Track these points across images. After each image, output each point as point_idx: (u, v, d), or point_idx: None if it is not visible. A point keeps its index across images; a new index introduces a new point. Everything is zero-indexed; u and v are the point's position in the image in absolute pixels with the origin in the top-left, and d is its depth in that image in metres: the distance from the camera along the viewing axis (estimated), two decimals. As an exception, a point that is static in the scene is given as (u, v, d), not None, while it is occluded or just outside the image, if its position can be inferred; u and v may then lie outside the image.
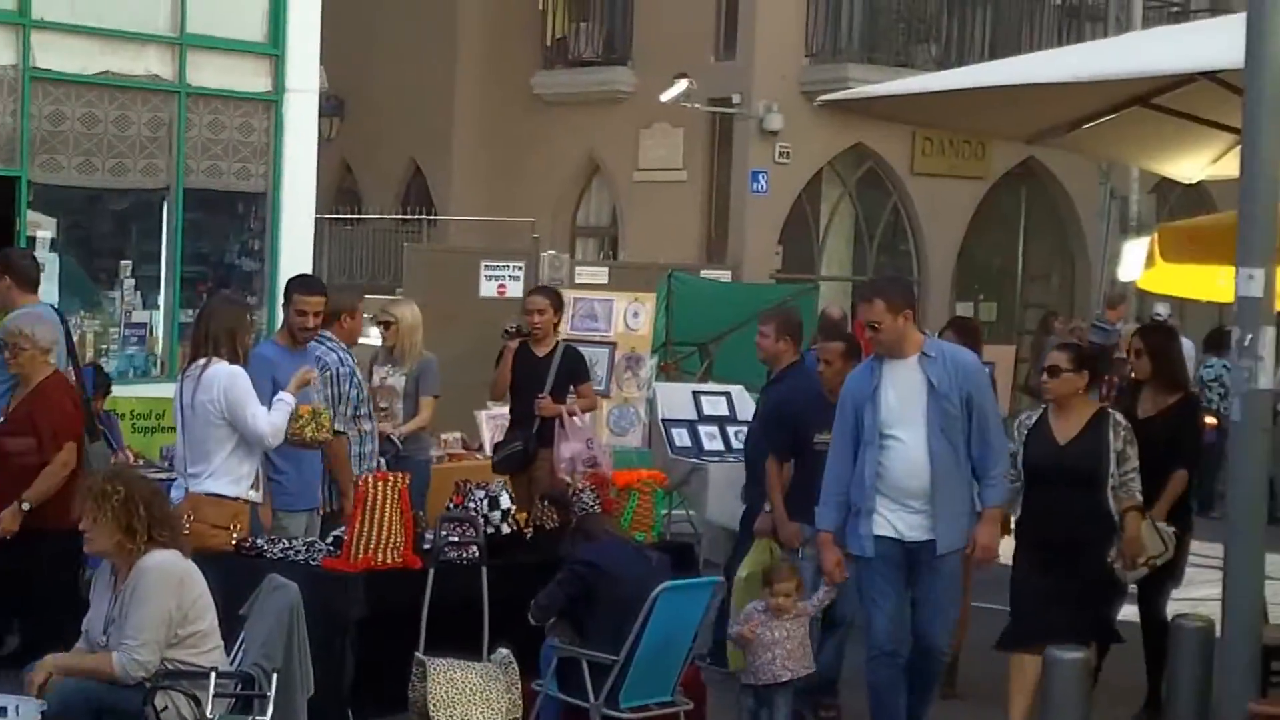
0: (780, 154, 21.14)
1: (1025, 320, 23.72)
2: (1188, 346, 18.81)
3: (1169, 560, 8.07)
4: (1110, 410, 7.96)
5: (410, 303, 10.55)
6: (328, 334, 8.78)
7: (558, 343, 10.14)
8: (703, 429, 12.70)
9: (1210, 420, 15.45)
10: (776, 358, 8.90)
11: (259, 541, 7.76)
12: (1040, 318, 21.33)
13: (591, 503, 8.07)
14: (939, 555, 7.26)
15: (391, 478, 7.77)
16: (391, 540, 7.60)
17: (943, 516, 7.24)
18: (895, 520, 7.27)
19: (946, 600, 7.39)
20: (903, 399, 7.28)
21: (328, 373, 8.61)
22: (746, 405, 12.81)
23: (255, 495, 7.78)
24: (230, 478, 7.64)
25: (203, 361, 7.66)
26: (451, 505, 8.07)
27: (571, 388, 9.95)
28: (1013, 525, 7.92)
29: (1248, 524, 6.26)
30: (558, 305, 10.23)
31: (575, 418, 9.62)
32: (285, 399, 7.73)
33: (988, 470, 7.34)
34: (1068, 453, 7.73)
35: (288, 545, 7.82)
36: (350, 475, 8.50)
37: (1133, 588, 8.26)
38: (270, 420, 7.61)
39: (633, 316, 13.46)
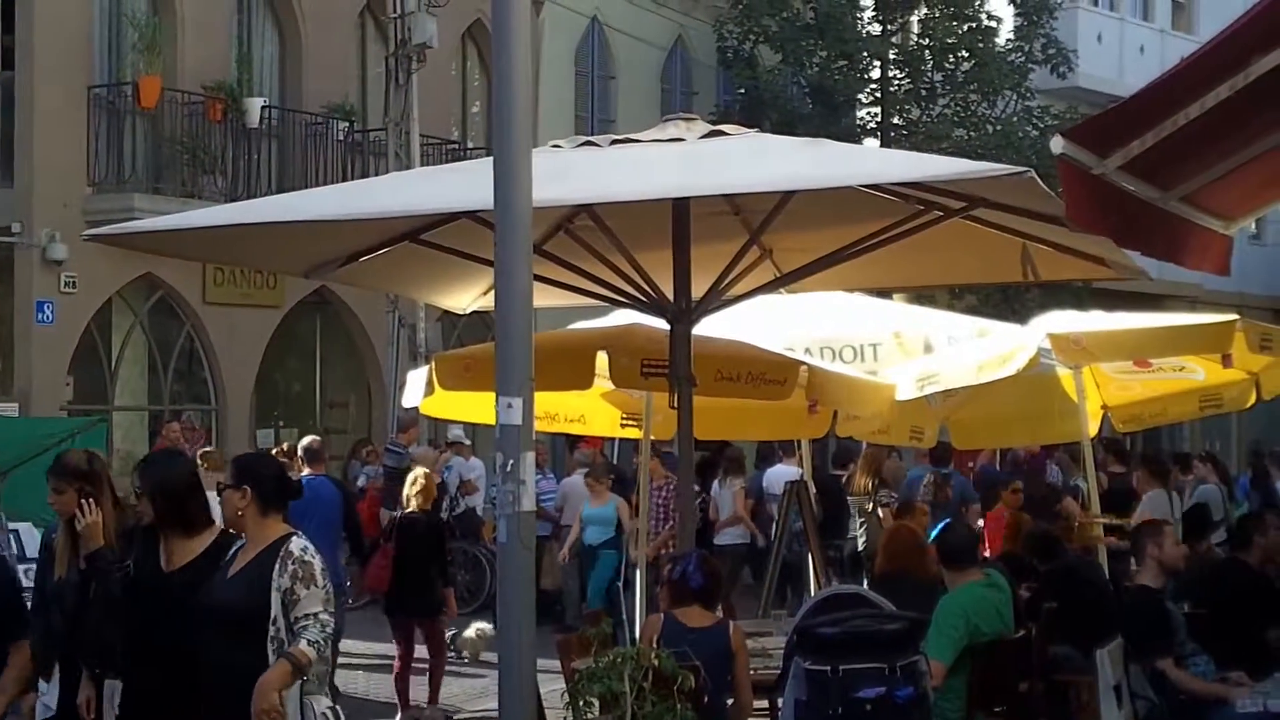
0: (66, 284, 20.57)
1: (328, 446, 23.84)
2: (478, 466, 19.67)
3: None
4: (296, 535, 6.53)
5: None
6: None
7: None
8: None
9: None
10: None
11: None
12: (350, 444, 21.63)
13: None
14: None
15: None
16: None
17: None
18: None
19: None
20: None
21: None
22: (36, 542, 12.33)
23: None
24: None
25: None
26: None
27: None
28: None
29: (518, 637, 6.44)
30: None
31: None
32: None
33: None
34: (221, 593, 6.40)
35: None
36: None
37: None
38: None
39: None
